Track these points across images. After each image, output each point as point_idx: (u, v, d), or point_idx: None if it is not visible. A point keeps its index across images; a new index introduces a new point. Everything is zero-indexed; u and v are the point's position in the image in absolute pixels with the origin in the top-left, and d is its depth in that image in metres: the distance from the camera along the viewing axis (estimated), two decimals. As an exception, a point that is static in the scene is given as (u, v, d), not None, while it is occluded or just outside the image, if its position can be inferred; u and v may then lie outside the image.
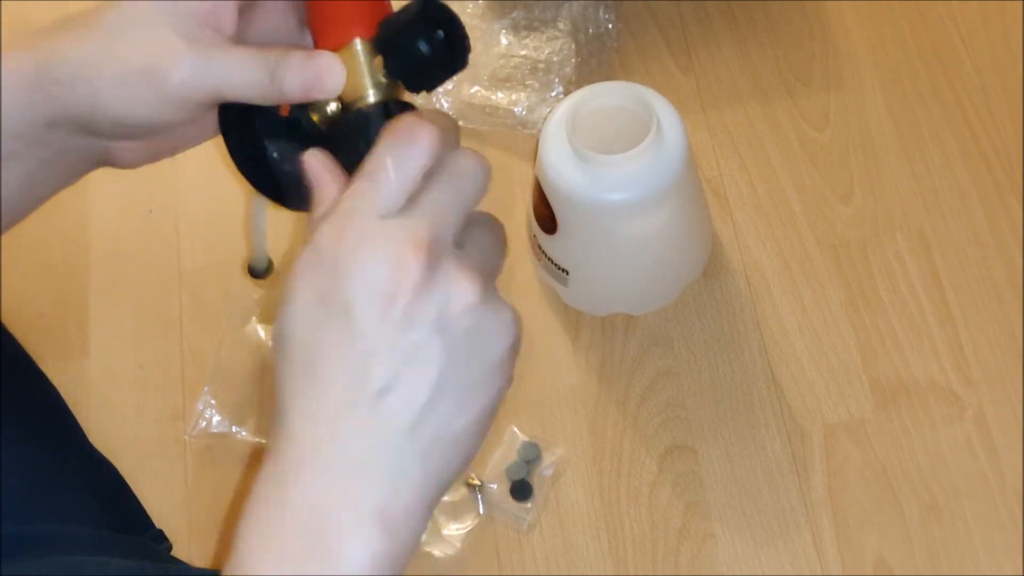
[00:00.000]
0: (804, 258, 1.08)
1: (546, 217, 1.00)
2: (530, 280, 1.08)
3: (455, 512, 1.00)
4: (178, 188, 1.16)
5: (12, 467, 0.85)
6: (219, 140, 0.66)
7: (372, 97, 0.62)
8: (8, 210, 0.68)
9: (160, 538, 0.98)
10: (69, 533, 0.87)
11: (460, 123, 1.13)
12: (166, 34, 0.62)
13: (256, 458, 1.03)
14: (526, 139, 1.13)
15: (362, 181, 0.56)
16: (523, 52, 1.15)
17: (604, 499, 1.00)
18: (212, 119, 0.65)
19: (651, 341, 1.06)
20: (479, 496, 1.00)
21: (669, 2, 1.20)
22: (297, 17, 0.67)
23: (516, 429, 1.02)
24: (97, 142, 0.67)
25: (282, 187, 0.64)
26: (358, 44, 0.62)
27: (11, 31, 1.24)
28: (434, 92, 1.12)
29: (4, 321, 0.98)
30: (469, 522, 0.99)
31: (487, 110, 1.14)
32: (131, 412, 1.06)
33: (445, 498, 0.98)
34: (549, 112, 1.01)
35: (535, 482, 1.00)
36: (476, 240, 0.57)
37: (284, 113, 0.64)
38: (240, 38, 0.64)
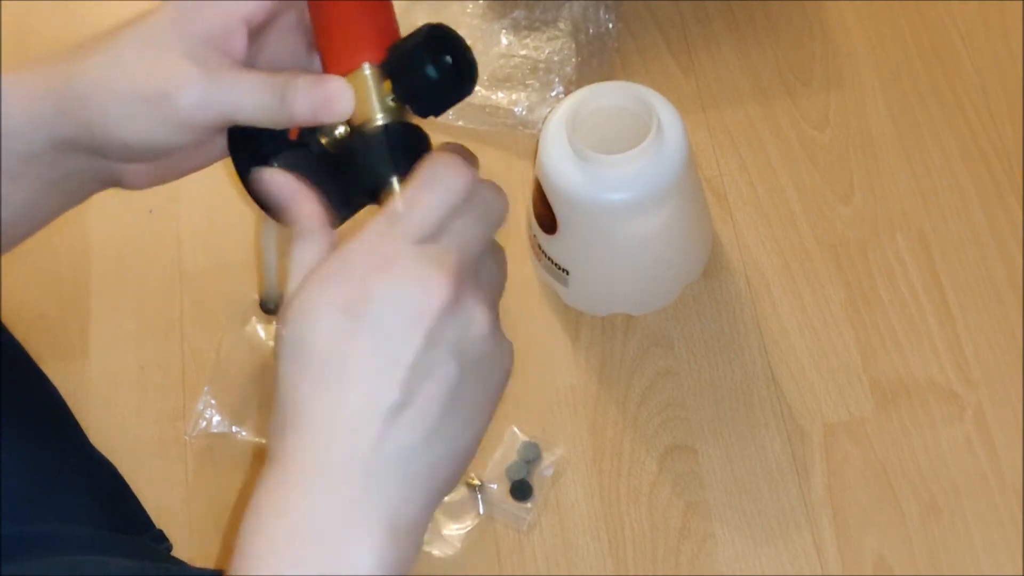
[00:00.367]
0: (804, 258, 1.08)
1: (546, 217, 1.00)
2: (530, 280, 1.08)
3: (455, 512, 1.00)
4: (179, 189, 1.15)
5: (12, 467, 0.85)
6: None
7: (380, 121, 0.62)
8: (13, 229, 0.69)
9: (160, 538, 0.98)
10: (69, 533, 0.87)
11: (460, 123, 1.14)
12: (177, 58, 0.63)
13: (257, 458, 1.03)
14: (526, 139, 1.13)
15: (398, 204, 0.58)
16: (523, 52, 1.15)
17: (604, 499, 1.00)
18: (221, 142, 0.66)
19: (651, 341, 1.06)
20: (479, 496, 1.00)
21: (669, 2, 1.20)
22: (306, 41, 0.68)
23: (516, 429, 1.02)
24: (105, 164, 0.67)
25: None
26: (367, 68, 0.63)
27: (10, 31, 1.24)
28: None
29: (5, 321, 0.98)
30: (469, 522, 0.99)
31: (487, 110, 1.14)
32: (131, 412, 1.06)
33: (445, 498, 0.98)
34: (549, 112, 1.01)
35: (535, 482, 1.00)
36: (487, 268, 0.59)
37: (293, 136, 0.65)
38: (250, 62, 0.65)
